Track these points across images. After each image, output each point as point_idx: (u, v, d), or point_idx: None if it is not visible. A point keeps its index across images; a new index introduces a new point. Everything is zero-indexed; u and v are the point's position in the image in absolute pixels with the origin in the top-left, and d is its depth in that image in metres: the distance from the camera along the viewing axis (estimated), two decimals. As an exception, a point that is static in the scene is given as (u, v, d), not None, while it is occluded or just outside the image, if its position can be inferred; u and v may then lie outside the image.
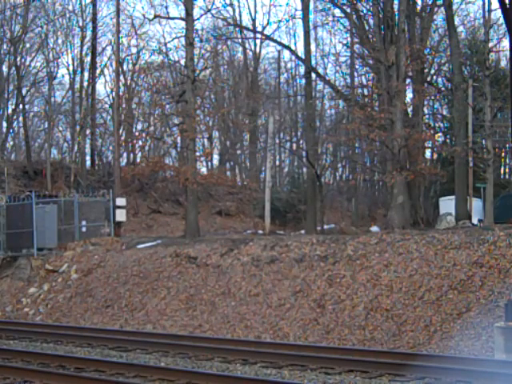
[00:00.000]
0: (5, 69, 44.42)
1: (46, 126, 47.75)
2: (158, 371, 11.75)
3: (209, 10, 34.50)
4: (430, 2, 38.99)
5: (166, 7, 64.03)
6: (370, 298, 18.02)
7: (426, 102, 41.99)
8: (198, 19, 35.55)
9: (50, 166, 41.98)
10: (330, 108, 47.98)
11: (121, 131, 41.77)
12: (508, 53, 29.12)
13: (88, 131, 45.80)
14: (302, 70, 46.29)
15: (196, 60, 34.97)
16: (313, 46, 42.27)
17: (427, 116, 44.74)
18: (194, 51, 31.06)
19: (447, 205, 33.38)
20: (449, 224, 27.60)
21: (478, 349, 14.50)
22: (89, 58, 46.47)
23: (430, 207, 40.62)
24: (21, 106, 46.06)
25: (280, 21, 61.79)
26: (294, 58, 44.14)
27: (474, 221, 30.54)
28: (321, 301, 18.82)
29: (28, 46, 45.83)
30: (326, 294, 19.00)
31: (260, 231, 34.20)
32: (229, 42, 46.68)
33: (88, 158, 47.72)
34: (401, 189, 26.69)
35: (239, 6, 67.39)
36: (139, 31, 47.51)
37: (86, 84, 46.66)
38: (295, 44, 74.28)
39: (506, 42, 37.87)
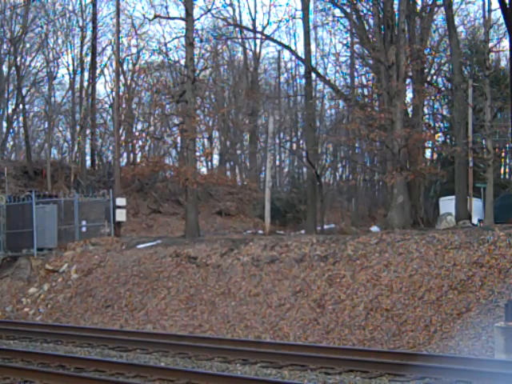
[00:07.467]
0: (5, 69, 44.50)
1: (46, 126, 47.75)
2: (157, 371, 11.74)
3: (209, 10, 34.55)
4: (429, 2, 39.00)
5: (166, 7, 63.91)
6: (369, 298, 18.02)
7: (426, 102, 42.00)
8: (198, 19, 35.63)
9: (50, 166, 41.92)
10: (330, 108, 48.03)
11: (121, 131, 41.71)
12: (508, 53, 29.15)
13: (88, 131, 45.75)
14: (302, 70, 46.36)
15: (196, 60, 34.96)
16: (313, 46, 42.33)
17: (427, 116, 44.78)
18: (194, 51, 31.05)
19: (447, 205, 33.38)
20: (449, 224, 27.57)
21: (478, 349, 14.49)
22: (89, 58, 46.47)
23: (430, 207, 40.67)
24: (21, 106, 46.06)
25: (280, 21, 61.79)
26: (294, 57, 44.18)
27: (474, 221, 30.54)
28: (321, 301, 18.81)
29: (28, 46, 45.95)
30: (326, 294, 19.00)
31: (260, 231, 34.20)
32: (229, 42, 46.73)
33: (88, 157, 47.71)
34: (401, 189, 26.69)
35: (239, 6, 67.60)
36: (139, 31, 47.52)
37: (86, 84, 46.66)
38: (295, 44, 73.85)
39: (506, 42, 37.91)
